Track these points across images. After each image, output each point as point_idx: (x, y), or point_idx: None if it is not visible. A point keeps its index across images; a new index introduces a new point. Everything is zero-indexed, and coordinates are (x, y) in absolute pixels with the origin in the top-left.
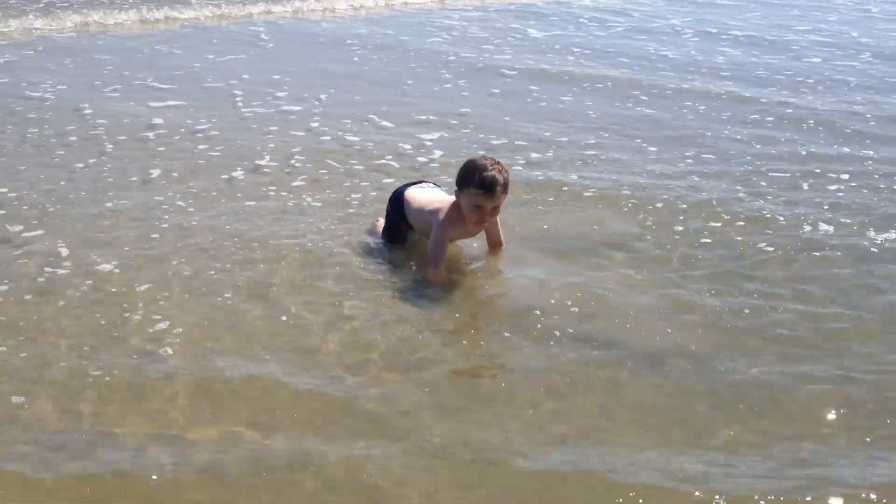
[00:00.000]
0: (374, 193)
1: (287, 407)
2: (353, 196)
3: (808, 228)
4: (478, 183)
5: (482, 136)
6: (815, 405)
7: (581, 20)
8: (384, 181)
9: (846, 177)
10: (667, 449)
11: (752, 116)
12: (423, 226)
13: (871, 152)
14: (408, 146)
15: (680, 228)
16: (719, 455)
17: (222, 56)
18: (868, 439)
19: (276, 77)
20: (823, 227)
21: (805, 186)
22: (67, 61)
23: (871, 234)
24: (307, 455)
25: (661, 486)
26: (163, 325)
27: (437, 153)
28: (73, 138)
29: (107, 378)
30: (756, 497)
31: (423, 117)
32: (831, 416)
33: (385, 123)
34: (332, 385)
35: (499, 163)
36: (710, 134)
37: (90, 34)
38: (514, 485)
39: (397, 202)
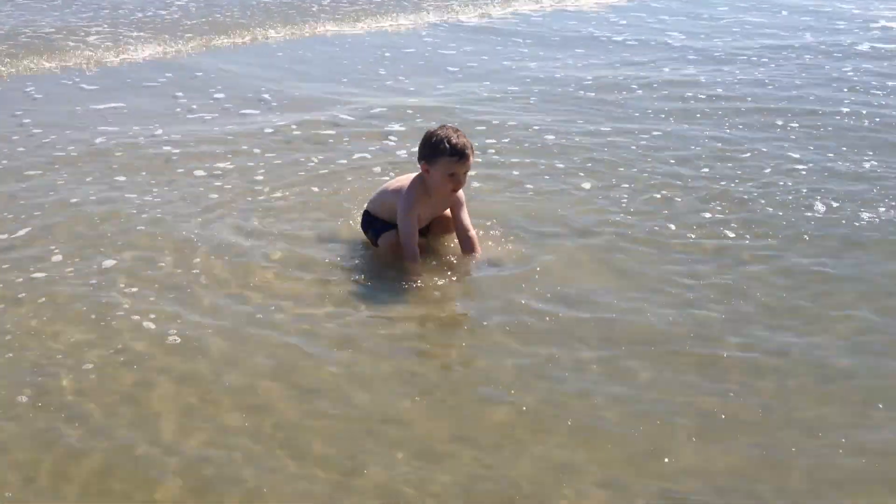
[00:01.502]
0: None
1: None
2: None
3: (800, 206)
4: (450, 151)
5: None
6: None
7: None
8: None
9: (812, 165)
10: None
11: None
12: (391, 212)
13: None
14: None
15: (666, 212)
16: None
17: None
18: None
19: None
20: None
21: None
22: None
23: (862, 213)
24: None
25: None
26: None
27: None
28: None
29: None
30: None
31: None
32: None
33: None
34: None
35: (457, 129)
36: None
37: None
38: None
39: (365, 216)
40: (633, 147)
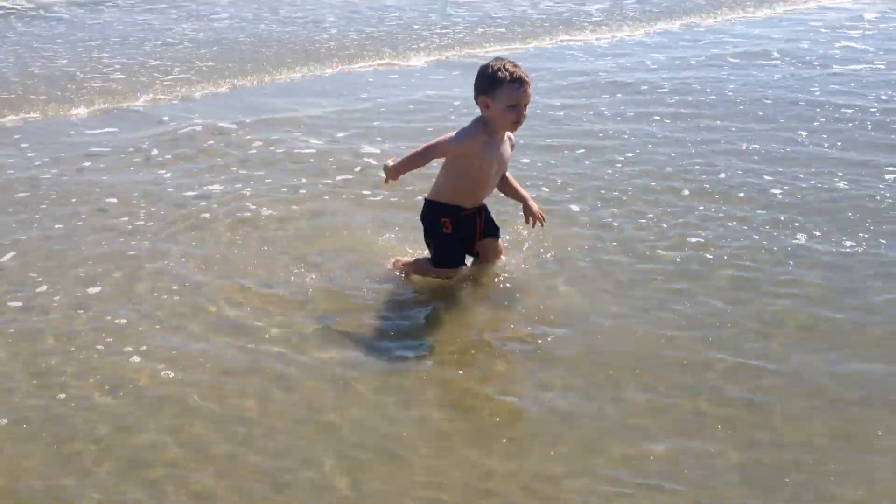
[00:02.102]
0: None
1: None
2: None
3: (777, 227)
4: (510, 78)
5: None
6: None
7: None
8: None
9: (787, 187)
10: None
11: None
12: (443, 187)
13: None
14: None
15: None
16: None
17: None
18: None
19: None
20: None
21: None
22: None
23: (845, 241)
24: None
25: None
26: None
27: None
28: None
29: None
30: None
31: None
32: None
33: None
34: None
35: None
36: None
37: None
38: None
39: (427, 207)
40: (617, 167)
